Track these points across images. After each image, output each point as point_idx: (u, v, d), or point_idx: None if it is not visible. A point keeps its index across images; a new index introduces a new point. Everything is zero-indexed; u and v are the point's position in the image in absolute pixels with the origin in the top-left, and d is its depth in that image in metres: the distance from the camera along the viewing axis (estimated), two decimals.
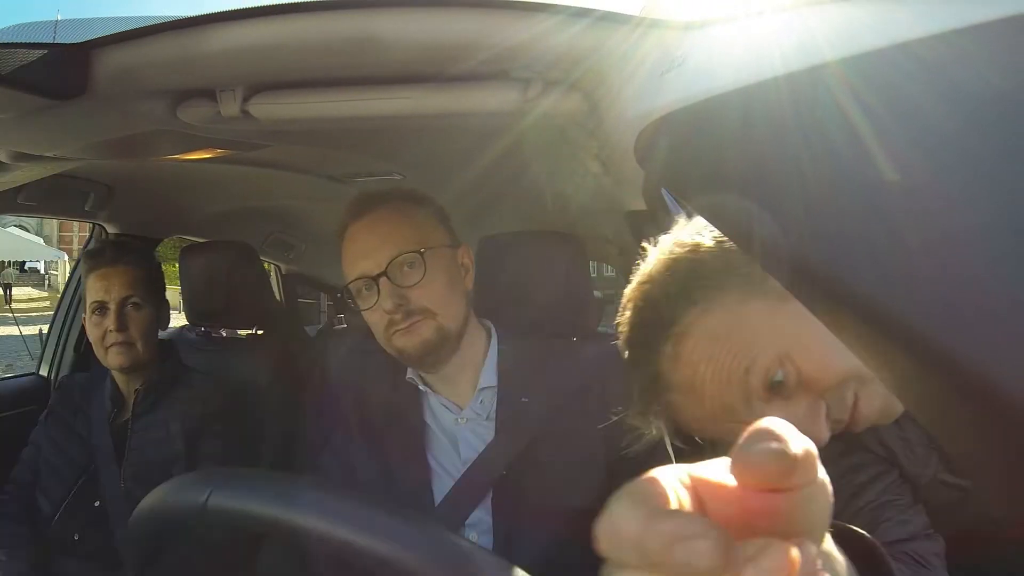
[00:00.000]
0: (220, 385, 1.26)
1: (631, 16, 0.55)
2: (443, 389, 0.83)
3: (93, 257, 1.19)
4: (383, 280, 0.76)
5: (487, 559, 0.49)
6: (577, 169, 1.03)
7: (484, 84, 0.71)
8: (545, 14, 0.57)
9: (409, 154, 1.26)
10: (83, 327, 1.52)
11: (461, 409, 0.82)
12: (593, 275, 1.25)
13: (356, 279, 0.79)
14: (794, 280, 0.30)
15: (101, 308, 1.14)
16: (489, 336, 0.86)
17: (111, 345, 1.14)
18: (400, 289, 0.76)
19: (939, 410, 0.23)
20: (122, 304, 1.14)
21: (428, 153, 1.22)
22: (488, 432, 0.80)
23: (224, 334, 1.60)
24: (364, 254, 0.78)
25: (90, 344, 1.21)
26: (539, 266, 1.00)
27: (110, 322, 1.13)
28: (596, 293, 1.24)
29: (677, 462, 0.20)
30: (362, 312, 0.81)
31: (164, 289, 1.25)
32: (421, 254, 0.77)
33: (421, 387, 0.83)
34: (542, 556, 0.73)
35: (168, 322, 1.29)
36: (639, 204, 1.02)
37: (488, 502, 0.77)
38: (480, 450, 0.78)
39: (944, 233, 0.23)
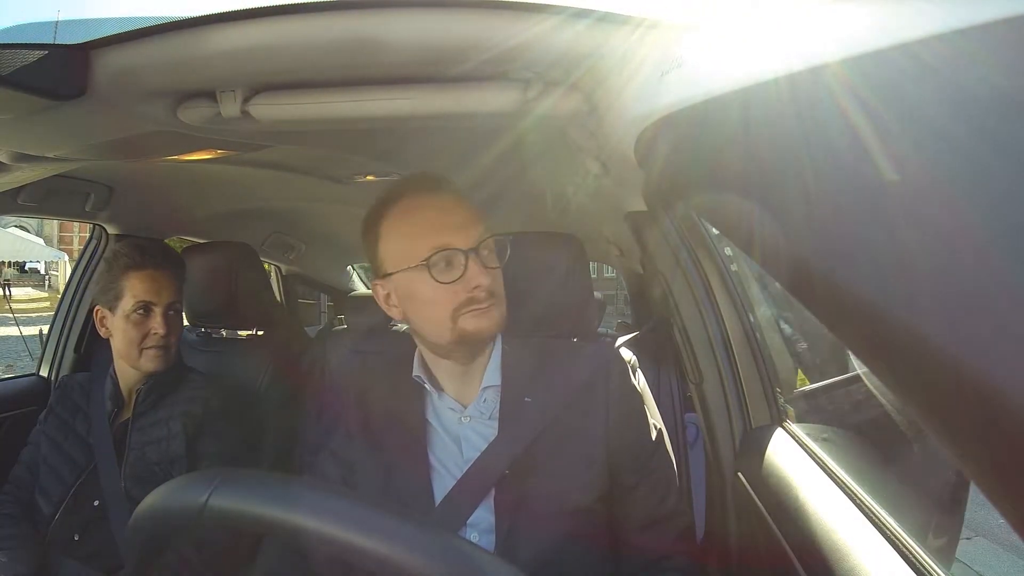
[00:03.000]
0: (220, 385, 1.26)
1: (631, 17, 0.55)
2: (451, 387, 0.83)
3: (141, 254, 1.15)
4: (472, 256, 0.74)
5: (487, 561, 0.49)
6: (577, 170, 1.03)
7: (484, 85, 0.70)
8: (545, 15, 0.56)
9: (409, 154, 1.26)
10: (83, 328, 1.52)
11: (464, 408, 0.82)
12: (593, 276, 1.25)
13: (442, 250, 0.73)
14: (794, 280, 0.30)
15: (146, 308, 1.14)
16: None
17: (152, 347, 1.14)
18: (487, 269, 0.75)
19: (939, 410, 0.23)
20: (168, 308, 1.15)
21: (428, 153, 1.22)
22: (491, 431, 0.80)
23: (224, 335, 1.60)
24: (453, 225, 0.74)
25: (90, 344, 1.20)
26: (539, 267, 1.00)
27: (157, 325, 1.13)
28: (596, 294, 1.24)
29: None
30: (441, 283, 0.74)
31: None
32: (508, 242, 0.76)
33: (427, 387, 0.83)
34: (543, 555, 0.73)
35: None
36: (639, 205, 1.02)
37: (490, 501, 0.77)
38: (482, 449, 0.78)
39: (944, 234, 0.23)
